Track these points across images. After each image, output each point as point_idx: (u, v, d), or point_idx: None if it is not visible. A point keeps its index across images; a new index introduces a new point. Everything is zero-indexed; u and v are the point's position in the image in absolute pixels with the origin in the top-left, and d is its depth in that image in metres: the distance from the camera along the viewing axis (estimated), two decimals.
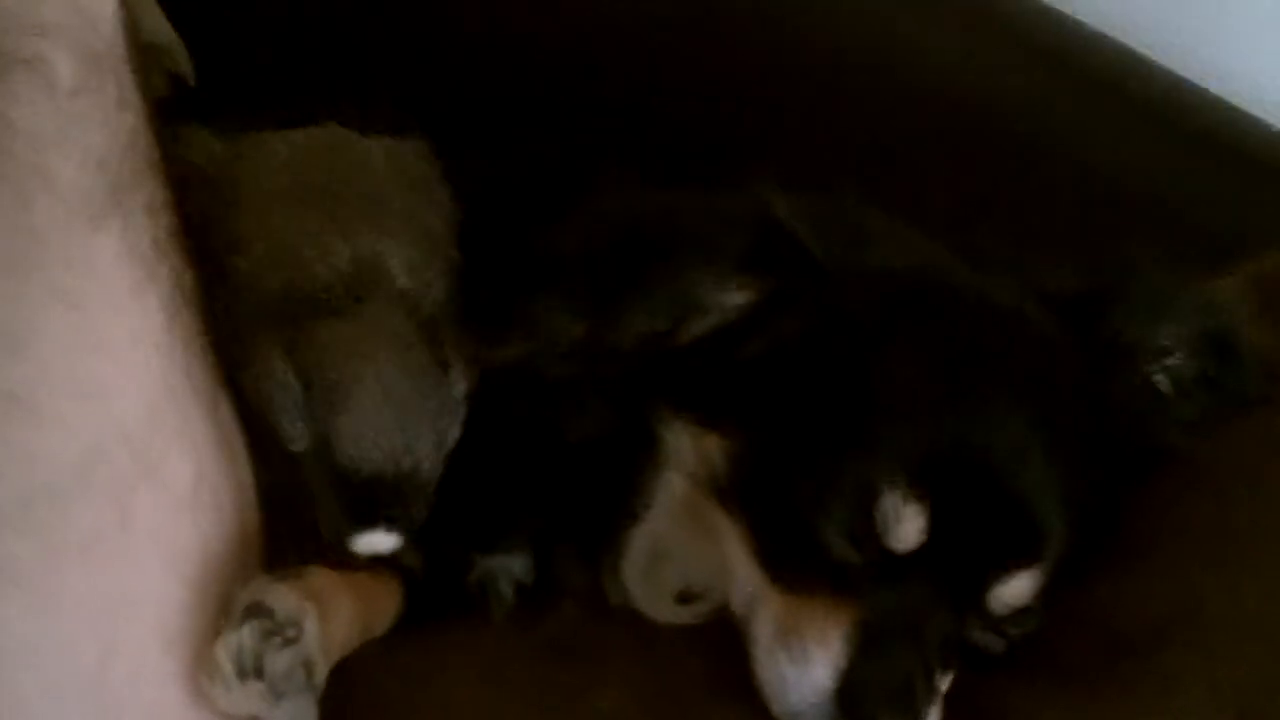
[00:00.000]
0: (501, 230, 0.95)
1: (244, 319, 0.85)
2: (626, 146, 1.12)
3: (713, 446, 0.89)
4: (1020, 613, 0.86)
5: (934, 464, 0.83)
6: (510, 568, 0.93)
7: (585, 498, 0.92)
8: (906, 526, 0.83)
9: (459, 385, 0.86)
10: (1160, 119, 1.21)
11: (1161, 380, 0.91)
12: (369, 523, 0.83)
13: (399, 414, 0.83)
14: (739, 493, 0.88)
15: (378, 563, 0.88)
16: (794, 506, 0.85)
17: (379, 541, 0.83)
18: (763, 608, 0.87)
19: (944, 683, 0.86)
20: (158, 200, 0.83)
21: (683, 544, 0.91)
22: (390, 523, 0.83)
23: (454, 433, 0.85)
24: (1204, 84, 1.23)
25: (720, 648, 0.89)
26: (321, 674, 0.80)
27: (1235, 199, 1.17)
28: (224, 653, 0.76)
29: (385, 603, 0.90)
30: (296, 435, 0.82)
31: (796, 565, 0.86)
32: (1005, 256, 0.94)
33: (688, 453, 0.90)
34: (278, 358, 0.82)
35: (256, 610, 0.78)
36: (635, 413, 0.90)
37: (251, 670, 0.76)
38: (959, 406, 0.85)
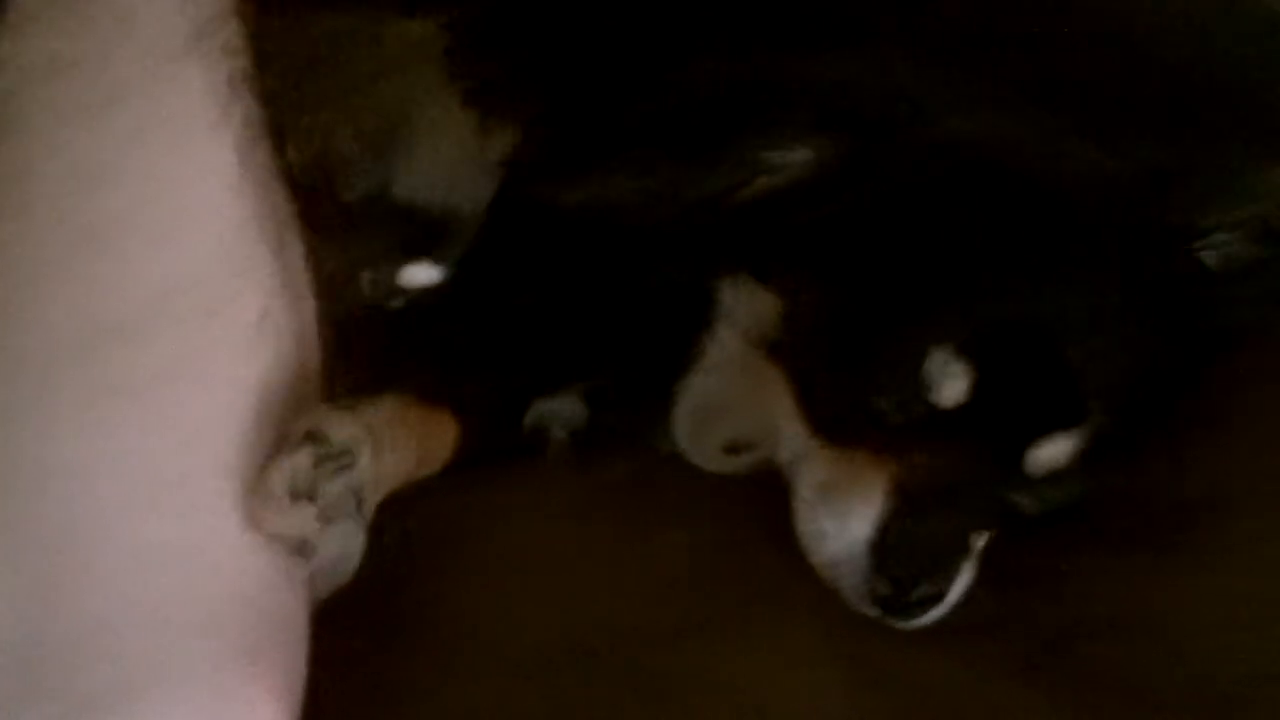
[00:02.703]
0: (592, 88, 0.96)
1: (304, 93, 0.91)
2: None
3: (768, 304, 0.90)
4: (1057, 476, 0.87)
5: (983, 328, 0.84)
6: (565, 412, 0.94)
7: (641, 348, 0.93)
8: (952, 384, 0.84)
9: (496, 148, 0.95)
10: None
11: (1209, 257, 0.90)
12: (417, 253, 0.94)
13: (447, 158, 0.94)
14: (791, 349, 0.89)
15: (434, 399, 0.90)
16: (844, 365, 0.87)
17: (423, 274, 0.94)
18: (807, 462, 0.89)
19: (979, 542, 0.87)
20: (235, 40, 0.85)
21: (733, 398, 0.92)
22: (434, 257, 0.94)
23: (489, 190, 0.95)
24: None
25: (763, 503, 0.91)
26: (371, 503, 0.82)
27: None
28: (278, 475, 0.78)
29: (440, 441, 0.92)
30: (355, 180, 0.92)
31: (842, 423, 0.87)
32: (1083, 131, 0.93)
33: (743, 309, 0.91)
34: (338, 118, 0.92)
35: (313, 436, 0.79)
36: (694, 268, 0.91)
37: (304, 493, 0.78)
38: (1013, 277, 0.86)
